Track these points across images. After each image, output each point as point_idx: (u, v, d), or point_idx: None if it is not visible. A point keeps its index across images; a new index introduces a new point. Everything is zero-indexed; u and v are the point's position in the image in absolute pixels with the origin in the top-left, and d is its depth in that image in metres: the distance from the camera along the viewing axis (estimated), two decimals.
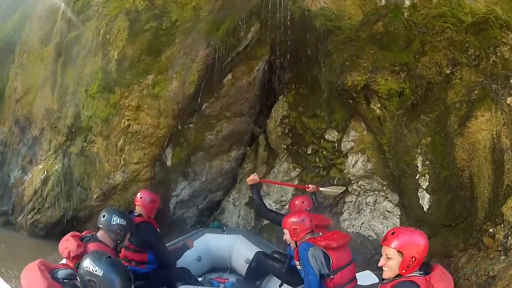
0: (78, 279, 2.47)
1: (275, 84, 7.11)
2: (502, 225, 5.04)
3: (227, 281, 5.26)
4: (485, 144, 5.45)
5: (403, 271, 2.70)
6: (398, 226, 5.92)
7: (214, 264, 5.55)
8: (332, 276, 3.61)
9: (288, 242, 4.01)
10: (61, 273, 2.61)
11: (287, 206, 6.59)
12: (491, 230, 5.12)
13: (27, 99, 7.74)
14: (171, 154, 6.49)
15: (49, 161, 7.06)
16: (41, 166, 7.16)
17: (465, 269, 5.13)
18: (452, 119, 5.78)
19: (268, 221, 6.62)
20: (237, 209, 7.17)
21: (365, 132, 6.26)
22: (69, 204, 6.77)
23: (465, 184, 5.44)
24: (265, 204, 5.04)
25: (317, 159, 6.74)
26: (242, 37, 6.21)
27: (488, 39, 6.25)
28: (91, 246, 3.10)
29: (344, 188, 6.11)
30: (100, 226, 3.42)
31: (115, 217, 3.43)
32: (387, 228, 6.03)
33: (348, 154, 6.55)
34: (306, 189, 5.41)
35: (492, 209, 5.23)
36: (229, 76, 6.38)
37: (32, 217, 7.31)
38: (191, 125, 6.41)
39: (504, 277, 4.76)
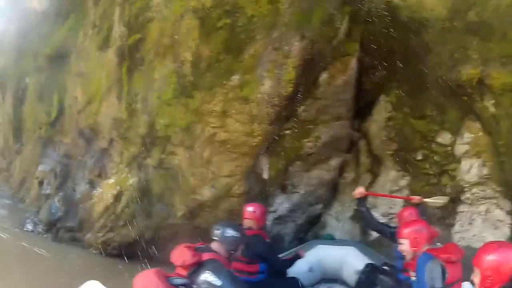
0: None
1: (365, 83, 5.09)
2: None
3: None
4: None
5: None
6: (509, 235, 4.44)
7: (325, 275, 4.56)
8: None
9: (404, 254, 3.09)
10: (177, 281, 2.30)
11: (395, 219, 4.80)
12: None
13: (90, 109, 5.65)
14: (267, 165, 4.39)
15: (121, 175, 4.99)
16: (112, 181, 5.10)
17: None
18: None
19: (375, 237, 5.03)
20: (341, 223, 5.38)
21: (481, 132, 4.43)
22: (148, 223, 4.64)
23: None
24: (374, 217, 4.04)
25: (428, 166, 4.81)
26: (339, 28, 4.07)
27: None
28: (206, 256, 2.59)
29: (448, 198, 4.44)
30: (215, 238, 2.89)
31: (229, 230, 2.89)
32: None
33: (462, 159, 4.66)
34: (411, 201, 4.16)
35: None
36: (325, 74, 4.43)
37: (104, 235, 5.40)
38: (287, 132, 4.36)
39: None
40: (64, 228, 6.10)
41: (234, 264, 3.41)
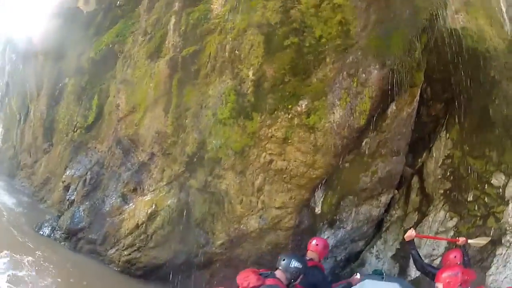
0: None
1: (423, 116, 4.57)
2: None
3: None
4: None
5: None
6: None
7: None
8: None
9: None
10: None
11: (436, 261, 4.66)
12: None
13: (132, 118, 5.23)
14: (322, 199, 3.95)
15: (160, 193, 4.53)
16: (148, 198, 4.62)
17: None
18: None
19: (413, 277, 4.78)
20: (381, 262, 4.85)
21: None
22: (182, 248, 4.12)
23: None
24: (422, 259, 4.10)
25: (476, 207, 4.55)
26: (418, 57, 3.65)
27: None
28: (269, 281, 2.90)
29: (489, 239, 4.34)
30: (279, 267, 3.11)
31: (293, 261, 3.10)
32: None
33: (510, 201, 4.40)
34: (457, 242, 4.14)
35: None
36: (393, 106, 3.91)
37: (130, 254, 4.86)
38: (346, 165, 3.83)
39: None
40: (85, 239, 5.59)
41: None
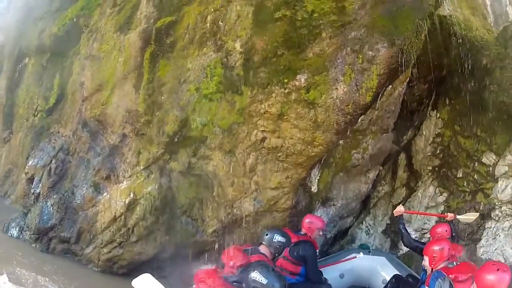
0: (244, 285, 2.31)
1: (406, 96, 4.29)
2: None
3: None
4: None
5: None
6: None
7: (355, 282, 4.19)
8: None
9: (425, 268, 3.09)
10: (231, 278, 2.38)
11: (427, 234, 4.28)
12: None
13: (99, 97, 4.28)
14: (318, 178, 3.28)
15: (137, 180, 3.63)
16: (124, 185, 3.72)
17: None
18: None
19: (403, 252, 4.44)
20: (372, 237, 4.47)
21: None
22: (170, 239, 3.26)
23: None
24: (410, 235, 3.77)
25: (465, 183, 4.22)
26: (424, 39, 3.42)
27: None
28: (254, 258, 2.66)
29: (478, 214, 3.99)
30: (263, 242, 2.91)
31: (276, 236, 2.91)
32: None
33: (499, 179, 4.11)
34: (446, 218, 3.82)
35: None
36: (389, 85, 3.38)
37: (110, 251, 3.98)
38: (340, 142, 3.19)
39: None
40: (57, 238, 4.41)
41: (281, 261, 3.28)
